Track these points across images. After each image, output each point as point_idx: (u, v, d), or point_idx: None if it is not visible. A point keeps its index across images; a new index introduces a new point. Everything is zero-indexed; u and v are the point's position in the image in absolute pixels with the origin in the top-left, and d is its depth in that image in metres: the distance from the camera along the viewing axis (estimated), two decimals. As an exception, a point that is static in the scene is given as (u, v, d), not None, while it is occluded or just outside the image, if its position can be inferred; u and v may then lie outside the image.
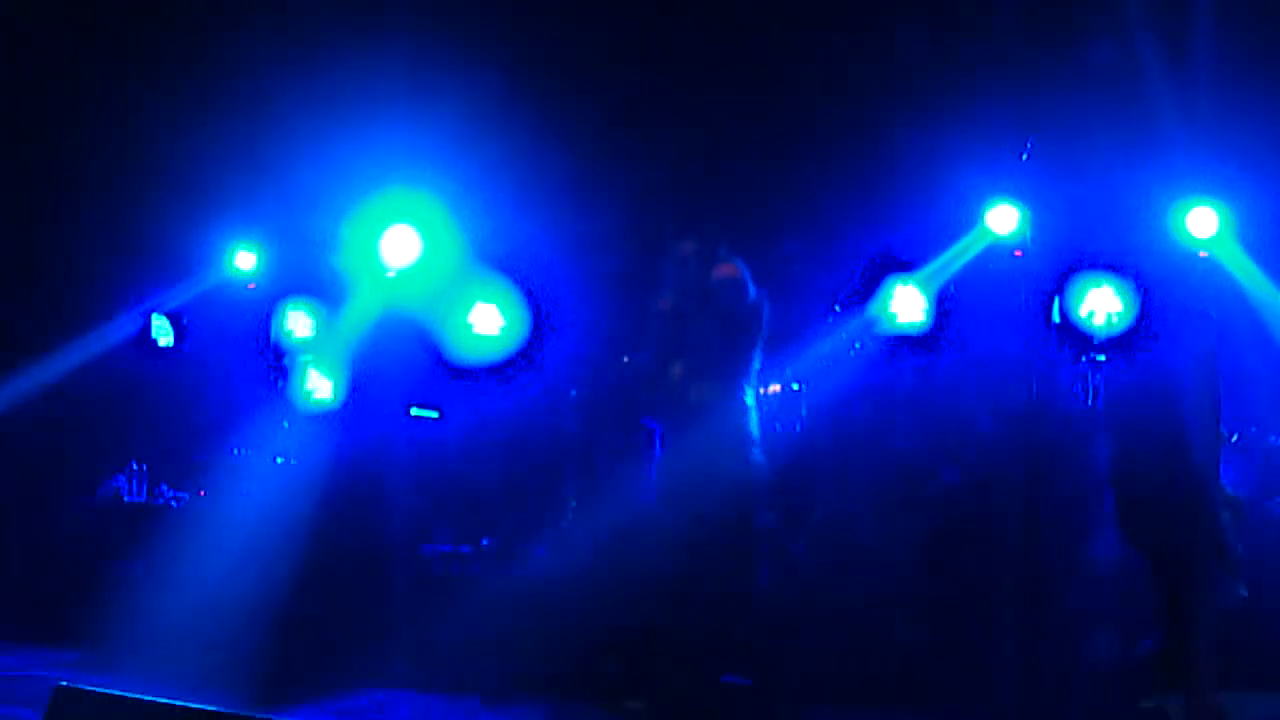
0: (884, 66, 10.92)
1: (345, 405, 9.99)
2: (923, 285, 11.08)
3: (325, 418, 10.14)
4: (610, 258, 10.67)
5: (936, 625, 9.34)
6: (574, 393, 10.20)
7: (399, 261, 10.21)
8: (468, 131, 10.43)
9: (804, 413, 10.52)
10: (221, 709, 4.81)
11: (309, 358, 10.17)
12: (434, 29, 10.55)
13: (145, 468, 12.39)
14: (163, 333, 12.27)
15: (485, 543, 10.34)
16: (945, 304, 11.12)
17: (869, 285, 11.10)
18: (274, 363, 10.88)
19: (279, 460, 10.85)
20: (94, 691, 5.12)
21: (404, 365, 10.35)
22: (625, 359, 10.21)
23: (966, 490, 10.13)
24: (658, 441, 9.48)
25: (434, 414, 10.81)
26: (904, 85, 10.98)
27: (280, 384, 10.54)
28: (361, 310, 10.13)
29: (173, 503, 11.85)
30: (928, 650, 9.15)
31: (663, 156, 11.21)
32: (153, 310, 12.34)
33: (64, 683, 5.08)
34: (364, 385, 10.18)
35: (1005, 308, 10.27)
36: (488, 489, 10.63)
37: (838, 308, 11.13)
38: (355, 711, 8.50)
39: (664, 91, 11.05)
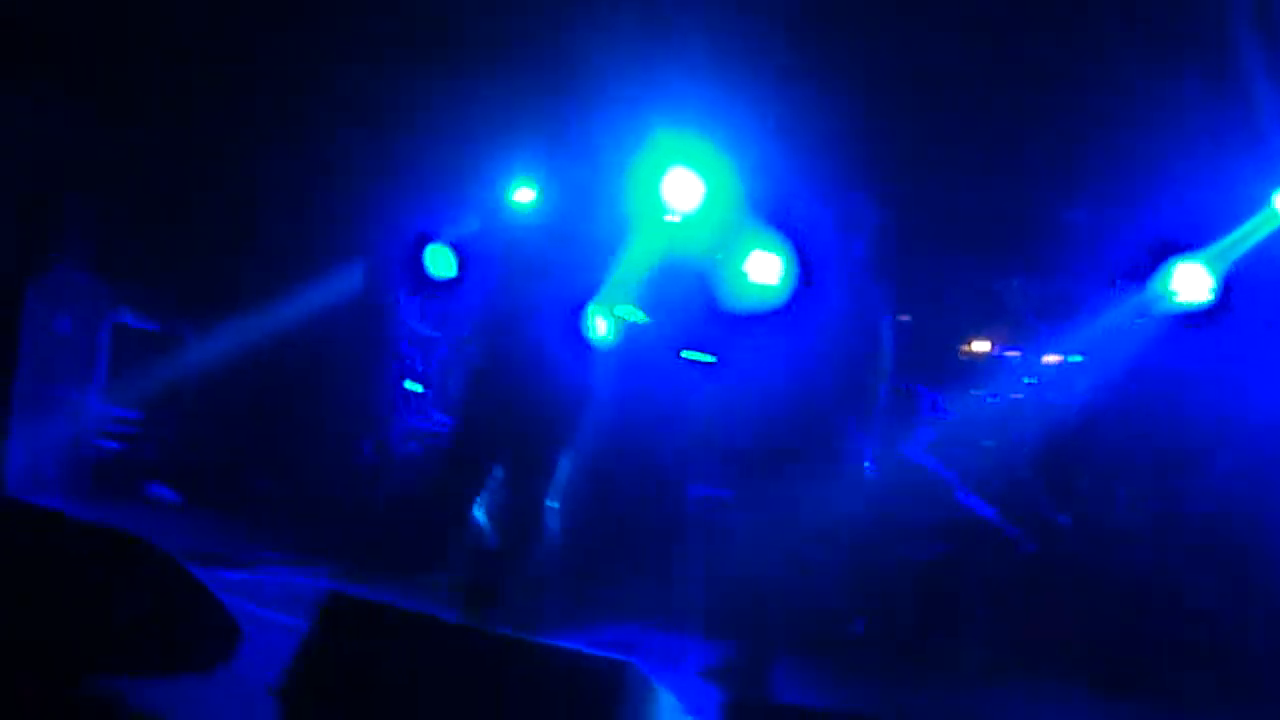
0: (1175, 44, 10.66)
1: (622, 344, 10.05)
2: (1208, 264, 10.78)
3: (603, 356, 10.21)
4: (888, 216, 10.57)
5: (1189, 614, 9.19)
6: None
7: (681, 205, 10.23)
8: (749, 79, 10.40)
9: (1079, 386, 10.38)
10: (482, 626, 4.90)
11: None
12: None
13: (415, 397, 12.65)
14: (443, 265, 12.38)
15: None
16: (1231, 285, 10.82)
17: (1151, 260, 10.85)
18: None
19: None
20: (362, 599, 5.25)
21: (682, 308, 10.39)
22: (903, 318, 10.14)
23: (1239, 477, 9.94)
24: (932, 405, 9.43)
25: (710, 358, 10.83)
26: (1194, 61, 10.71)
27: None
28: (641, 252, 10.17)
29: (442, 429, 12.06)
30: (1176, 638, 9.02)
31: (944, 117, 11.08)
32: (429, 242, 12.46)
33: (333, 588, 5.22)
34: (642, 326, 10.23)
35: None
36: (758, 436, 10.62)
37: (1118, 282, 10.91)
38: (609, 644, 8.57)
39: (948, 50, 10.89)
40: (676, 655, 8.63)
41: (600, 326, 10.46)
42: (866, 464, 8.92)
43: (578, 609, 9.07)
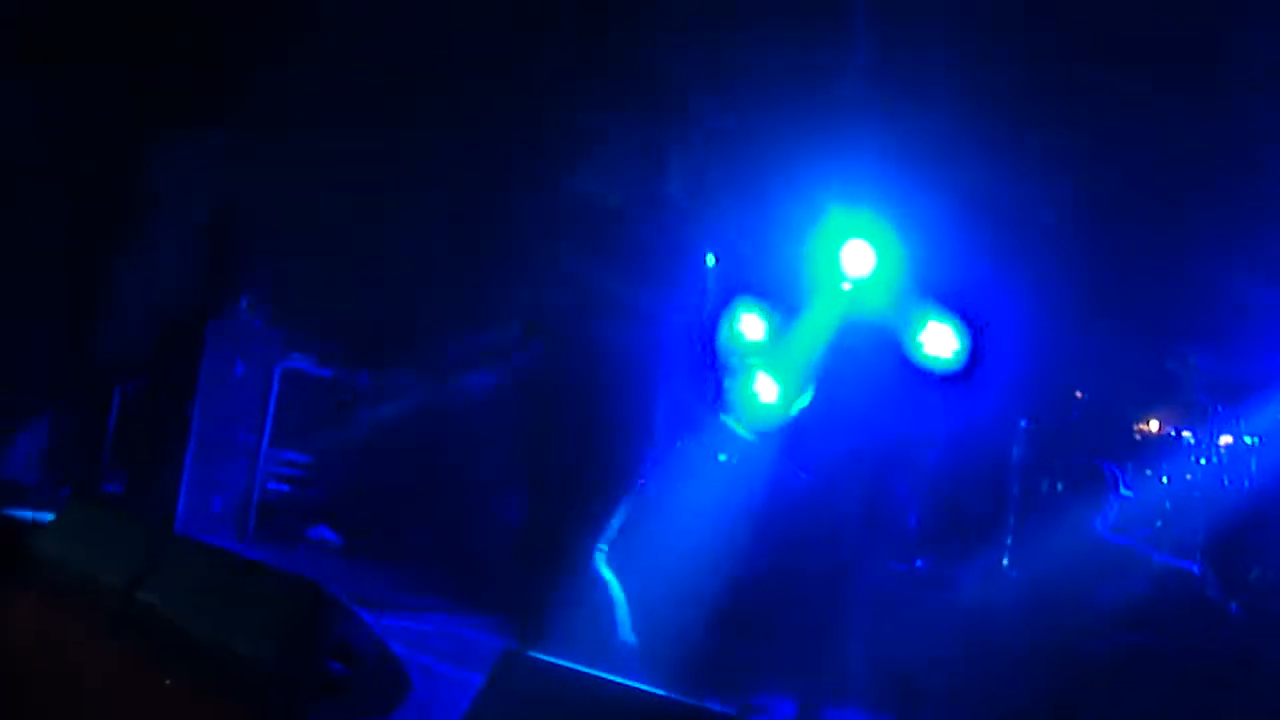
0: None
1: (799, 412, 10.09)
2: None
3: (771, 422, 10.22)
4: (1067, 289, 10.51)
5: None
6: (1024, 424, 10.08)
7: (857, 273, 10.25)
8: (928, 159, 10.40)
9: (1254, 469, 10.19)
10: (650, 689, 4.90)
11: (758, 361, 10.25)
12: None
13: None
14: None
15: (919, 564, 10.30)
16: None
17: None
18: (721, 362, 11.00)
19: (721, 457, 10.97)
20: (538, 658, 5.27)
21: (857, 378, 10.37)
22: (1078, 394, 10.05)
23: None
24: (1120, 484, 9.31)
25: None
26: None
27: (726, 383, 10.67)
28: (818, 319, 10.20)
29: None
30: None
31: (1125, 192, 10.98)
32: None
33: (512, 647, 5.24)
34: (819, 393, 10.24)
35: None
36: (927, 508, 10.58)
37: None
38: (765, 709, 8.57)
39: (1131, 125, 10.79)
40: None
41: (766, 391, 10.52)
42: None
43: (735, 676, 9.06)
